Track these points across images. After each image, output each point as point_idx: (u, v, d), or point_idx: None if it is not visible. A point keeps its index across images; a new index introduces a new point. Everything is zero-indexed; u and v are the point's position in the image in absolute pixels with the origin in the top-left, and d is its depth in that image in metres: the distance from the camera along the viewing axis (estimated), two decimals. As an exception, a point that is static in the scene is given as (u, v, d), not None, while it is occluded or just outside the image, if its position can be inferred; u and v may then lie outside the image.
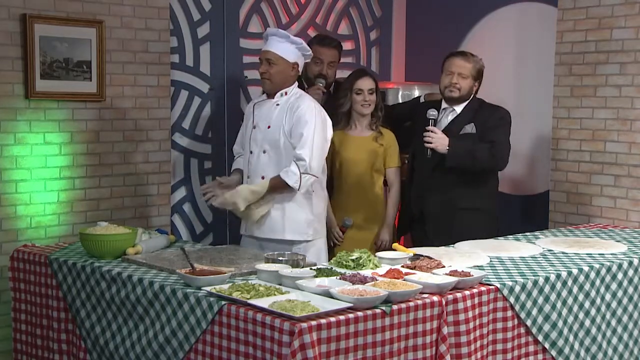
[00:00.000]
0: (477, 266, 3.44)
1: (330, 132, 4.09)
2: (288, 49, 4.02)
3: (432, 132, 4.22)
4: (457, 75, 4.32)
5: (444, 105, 4.44)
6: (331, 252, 4.34)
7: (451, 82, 4.33)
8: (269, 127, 4.02)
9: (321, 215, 4.15)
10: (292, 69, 4.06)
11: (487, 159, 4.26)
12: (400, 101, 5.28)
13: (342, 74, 5.22)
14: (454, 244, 3.95)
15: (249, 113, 4.19)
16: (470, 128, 4.33)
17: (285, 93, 4.04)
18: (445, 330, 2.97)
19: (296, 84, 4.10)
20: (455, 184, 4.31)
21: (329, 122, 4.09)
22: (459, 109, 4.40)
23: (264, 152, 4.04)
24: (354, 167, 4.50)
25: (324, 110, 4.08)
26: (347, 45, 5.83)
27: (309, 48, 4.14)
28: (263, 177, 4.00)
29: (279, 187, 3.95)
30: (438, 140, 4.21)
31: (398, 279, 3.08)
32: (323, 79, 4.69)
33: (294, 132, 3.94)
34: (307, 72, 4.75)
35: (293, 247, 4.00)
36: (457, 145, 4.23)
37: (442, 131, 4.32)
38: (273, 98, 4.07)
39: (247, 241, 4.16)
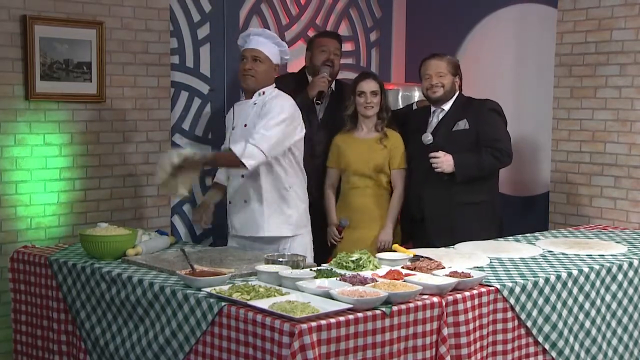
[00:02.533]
0: (477, 267, 3.44)
1: (298, 129, 4.04)
2: (273, 50, 4.09)
3: (434, 157, 4.27)
4: (435, 76, 4.39)
5: (432, 108, 4.48)
6: (331, 252, 4.38)
7: (431, 83, 4.40)
8: (245, 125, 4.04)
9: (302, 209, 4.13)
10: (274, 70, 4.12)
11: (494, 163, 4.34)
12: (400, 102, 5.30)
13: (343, 75, 5.22)
14: (456, 241, 3.96)
15: (230, 116, 4.22)
16: (463, 124, 4.37)
17: (263, 92, 4.06)
18: (445, 331, 2.97)
19: (274, 84, 4.12)
20: (452, 180, 4.31)
21: (298, 119, 4.06)
22: (446, 107, 4.44)
23: None
24: (358, 168, 4.50)
25: (296, 109, 4.07)
26: (347, 47, 5.83)
27: (288, 52, 4.20)
28: (243, 176, 4.02)
29: (223, 158, 3.96)
30: (443, 162, 4.26)
31: (398, 280, 3.08)
32: (330, 66, 4.75)
33: (258, 122, 3.95)
34: (313, 61, 4.84)
35: (275, 244, 4.03)
36: (463, 160, 4.27)
37: (434, 130, 4.40)
38: (251, 98, 4.09)
39: (234, 240, 4.17)
